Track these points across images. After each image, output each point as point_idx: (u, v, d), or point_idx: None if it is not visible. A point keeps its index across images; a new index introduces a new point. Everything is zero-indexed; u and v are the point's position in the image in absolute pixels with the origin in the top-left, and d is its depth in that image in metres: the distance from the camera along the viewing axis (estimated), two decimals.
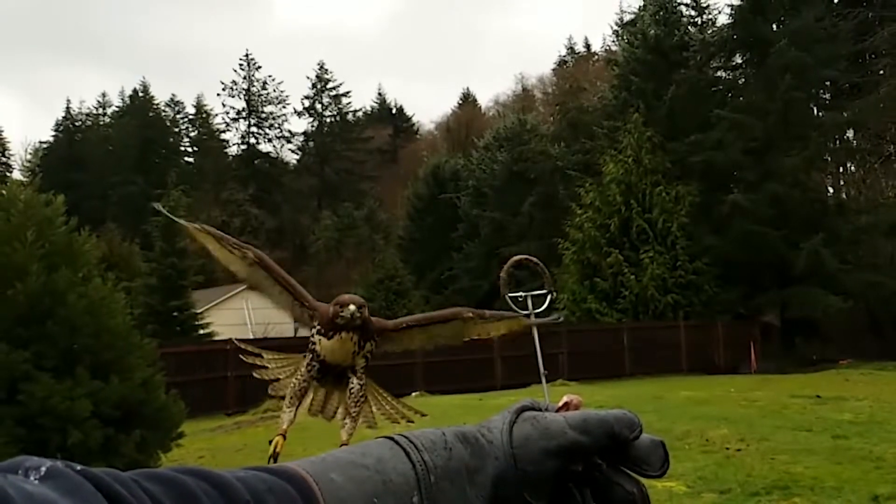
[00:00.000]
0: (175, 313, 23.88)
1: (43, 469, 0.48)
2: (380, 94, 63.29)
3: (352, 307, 1.86)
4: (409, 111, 62.11)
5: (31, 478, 0.47)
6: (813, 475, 7.48)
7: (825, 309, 24.44)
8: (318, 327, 1.93)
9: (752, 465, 8.12)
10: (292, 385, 1.92)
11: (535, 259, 1.90)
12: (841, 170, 32.44)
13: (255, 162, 55.93)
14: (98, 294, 8.40)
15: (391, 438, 0.69)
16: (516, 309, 1.80)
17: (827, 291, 24.34)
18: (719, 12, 33.78)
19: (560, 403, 0.76)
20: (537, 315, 1.87)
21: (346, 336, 1.90)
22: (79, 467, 0.49)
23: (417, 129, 61.77)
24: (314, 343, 1.94)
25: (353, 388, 1.92)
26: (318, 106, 56.46)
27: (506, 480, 0.69)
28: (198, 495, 0.54)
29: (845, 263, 25.35)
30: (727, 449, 9.07)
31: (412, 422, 1.98)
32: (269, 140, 56.74)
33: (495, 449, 0.70)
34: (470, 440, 0.70)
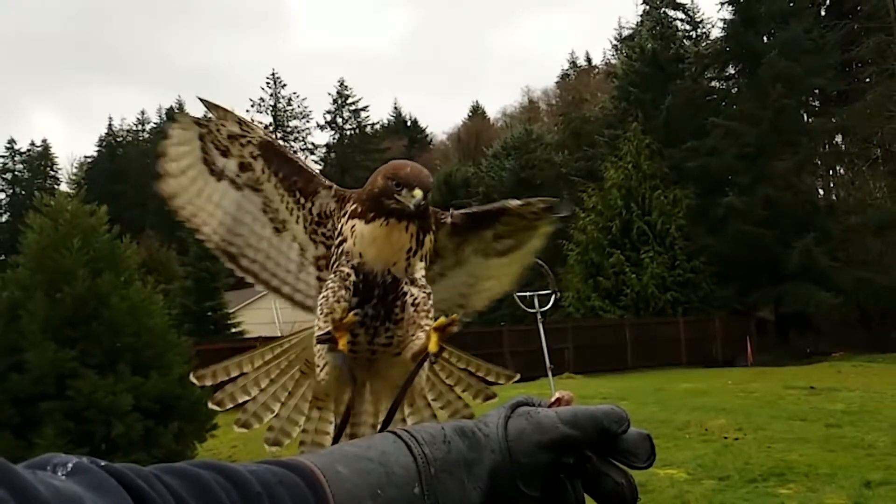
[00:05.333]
0: (209, 313, 24.08)
1: (70, 465, 0.48)
2: (395, 107, 63.46)
3: (418, 192, 1.17)
4: (422, 123, 62.23)
5: (59, 474, 0.48)
6: (807, 462, 7.38)
7: (817, 304, 24.12)
8: (354, 206, 1.27)
9: (750, 453, 8.02)
10: (321, 301, 1.26)
11: (540, 261, 1.81)
12: (831, 172, 32.03)
13: None
14: (139, 296, 8.49)
15: (394, 433, 0.69)
16: (524, 307, 1.77)
17: (819, 287, 24.02)
18: (713, 26, 33.48)
19: (552, 399, 0.76)
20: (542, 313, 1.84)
21: (398, 224, 1.21)
22: (103, 463, 0.50)
23: (430, 140, 61.81)
24: (342, 237, 1.28)
25: (416, 299, 1.24)
26: (339, 120, 56.76)
27: (501, 472, 0.69)
28: (213, 487, 0.54)
29: (836, 261, 25.00)
30: (725, 438, 8.97)
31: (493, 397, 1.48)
32: (294, 152, 57.30)
33: (491, 442, 0.70)
34: (468, 434, 0.70)
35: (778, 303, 26.23)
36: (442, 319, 1.19)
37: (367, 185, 1.27)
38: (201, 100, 1.50)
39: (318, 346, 1.24)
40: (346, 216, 1.29)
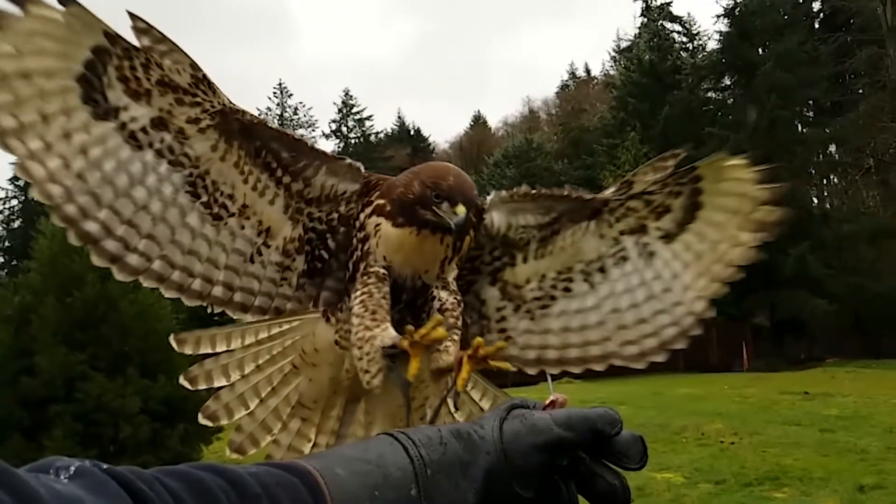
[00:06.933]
0: (216, 317, 24.11)
1: (72, 468, 0.48)
2: (399, 117, 63.45)
3: (461, 209, 1.04)
4: (425, 132, 62.11)
5: (62, 477, 0.48)
6: (802, 467, 7.34)
7: (812, 310, 24.06)
8: (382, 201, 1.13)
9: (745, 457, 7.98)
10: (363, 298, 1.08)
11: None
12: (824, 181, 32.05)
13: None
14: (147, 301, 8.51)
15: (391, 435, 0.69)
16: None
17: (813, 294, 23.96)
18: (709, 38, 33.67)
19: (546, 402, 0.76)
20: None
21: (432, 236, 1.09)
22: (105, 466, 0.50)
23: (433, 149, 61.89)
24: (364, 232, 1.13)
25: (444, 304, 1.12)
26: (344, 129, 56.89)
27: (496, 473, 0.69)
28: (213, 489, 0.54)
29: (830, 268, 24.95)
30: (721, 442, 8.93)
31: None
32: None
33: (487, 444, 0.70)
34: (463, 436, 0.70)
35: (773, 309, 26.15)
36: (478, 341, 1.00)
37: (401, 183, 1.11)
38: (131, 15, 1.09)
39: (373, 351, 1.06)
40: (371, 209, 1.12)
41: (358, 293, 1.11)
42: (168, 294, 1.25)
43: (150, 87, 1.13)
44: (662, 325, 1.32)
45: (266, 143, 1.20)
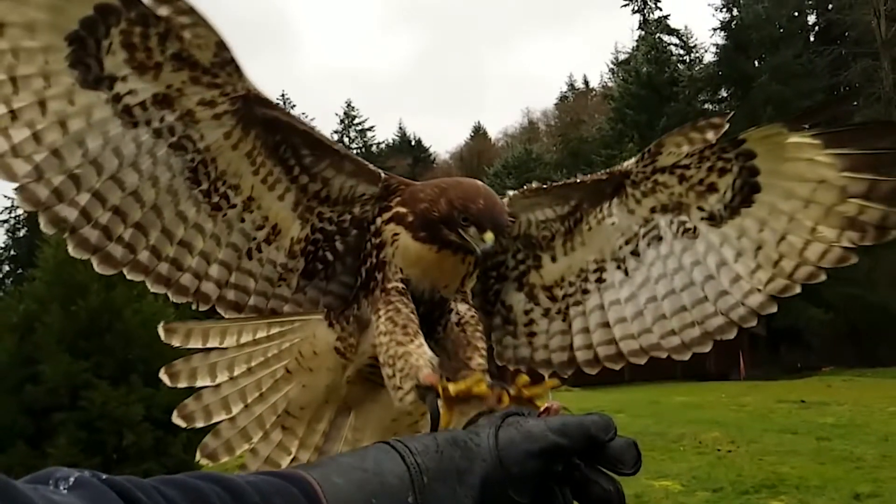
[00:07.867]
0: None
1: (71, 479, 0.48)
2: (400, 127, 63.70)
3: (489, 236, 0.99)
4: (426, 143, 62.34)
5: (61, 488, 0.47)
6: (798, 475, 7.30)
7: (808, 320, 24.02)
8: (404, 210, 1.06)
9: (742, 465, 7.94)
10: (390, 314, 1.01)
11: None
12: None
13: None
14: (151, 309, 8.49)
15: (388, 443, 0.69)
16: None
17: (809, 303, 23.92)
18: (706, 51, 33.90)
19: (541, 409, 0.76)
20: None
21: (452, 256, 1.04)
22: (104, 476, 0.49)
23: (434, 159, 62.05)
24: (380, 238, 1.07)
25: (461, 318, 1.07)
26: (346, 139, 57.10)
27: (492, 480, 0.69)
28: (211, 498, 0.54)
29: (826, 277, 24.97)
30: (719, 450, 8.89)
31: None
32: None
33: (483, 451, 0.70)
34: (460, 443, 0.70)
35: (770, 317, 25.98)
36: (523, 380, 0.93)
37: (426, 197, 1.03)
38: None
39: (408, 367, 0.98)
40: (390, 216, 1.05)
41: (382, 311, 1.03)
42: (154, 288, 1.14)
43: (161, 61, 0.99)
44: (706, 315, 1.21)
45: (288, 139, 1.10)
